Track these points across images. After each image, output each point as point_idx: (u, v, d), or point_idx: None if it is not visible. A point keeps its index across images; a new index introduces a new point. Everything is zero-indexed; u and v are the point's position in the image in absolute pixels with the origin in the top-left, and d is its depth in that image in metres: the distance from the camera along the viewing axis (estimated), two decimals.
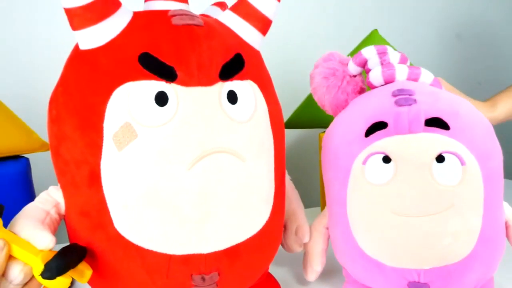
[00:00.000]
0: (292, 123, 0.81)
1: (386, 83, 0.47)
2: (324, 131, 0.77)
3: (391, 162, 0.41)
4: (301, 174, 0.73)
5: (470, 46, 1.13)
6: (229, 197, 0.38)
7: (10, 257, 0.34)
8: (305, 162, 0.93)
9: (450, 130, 0.40)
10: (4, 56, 0.80)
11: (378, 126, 0.42)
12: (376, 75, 0.48)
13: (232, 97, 0.39)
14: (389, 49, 0.49)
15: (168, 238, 0.38)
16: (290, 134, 0.96)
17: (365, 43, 0.77)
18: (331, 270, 0.55)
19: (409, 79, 0.47)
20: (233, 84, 0.39)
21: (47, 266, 0.34)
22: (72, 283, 0.57)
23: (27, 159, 0.63)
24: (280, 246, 0.53)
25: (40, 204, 0.41)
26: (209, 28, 0.40)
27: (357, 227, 0.44)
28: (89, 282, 0.43)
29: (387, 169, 0.41)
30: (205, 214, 0.37)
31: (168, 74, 0.36)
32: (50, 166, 0.42)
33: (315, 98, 0.53)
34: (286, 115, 0.79)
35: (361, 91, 0.51)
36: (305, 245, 0.51)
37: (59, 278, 0.34)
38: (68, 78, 0.39)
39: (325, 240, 0.51)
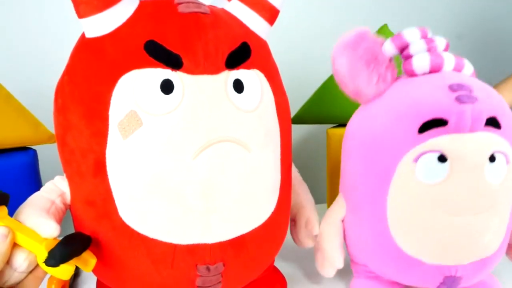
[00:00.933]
0: (300, 119, 0.81)
1: (431, 72, 0.43)
2: (334, 127, 0.77)
3: (447, 162, 0.39)
4: (308, 170, 0.73)
5: (482, 40, 1.11)
6: (234, 187, 0.38)
7: (14, 245, 0.34)
8: (312, 159, 0.92)
9: (501, 129, 0.40)
10: (14, 51, 0.81)
11: (435, 123, 0.39)
12: (423, 63, 0.43)
13: (238, 86, 0.38)
14: (431, 33, 0.45)
15: (173, 228, 0.37)
16: (298, 130, 0.95)
17: None
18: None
19: (454, 69, 0.44)
20: (239, 73, 0.39)
21: (51, 253, 0.34)
22: (78, 273, 0.57)
23: (34, 151, 0.63)
24: (289, 241, 0.53)
25: (45, 193, 0.41)
26: (216, 17, 0.39)
27: (398, 226, 0.42)
28: (94, 271, 0.43)
29: (442, 169, 0.39)
30: (210, 203, 0.37)
31: (174, 62, 0.36)
32: (57, 158, 0.42)
33: (345, 84, 0.45)
34: (294, 110, 0.78)
35: (396, 78, 0.46)
36: (319, 241, 0.49)
37: (62, 266, 0.34)
38: (74, 67, 0.39)
39: (341, 233, 0.49)
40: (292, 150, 0.47)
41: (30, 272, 0.35)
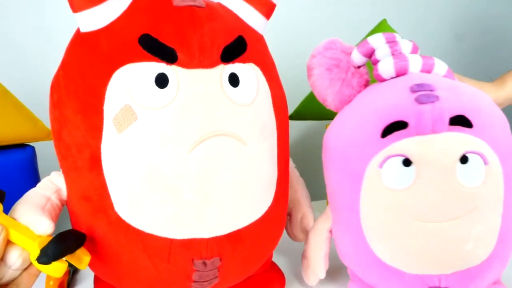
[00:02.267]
0: (298, 115, 0.80)
1: (398, 75, 0.43)
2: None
3: (412, 165, 0.37)
4: (307, 166, 0.73)
5: (482, 37, 1.11)
6: (230, 181, 0.38)
7: (9, 243, 0.34)
8: (311, 154, 0.92)
9: (473, 128, 0.38)
10: (12, 49, 0.81)
11: (396, 126, 0.38)
12: (387, 67, 0.43)
13: (233, 80, 0.38)
14: (399, 37, 0.45)
15: (169, 222, 0.37)
16: (297, 126, 0.95)
17: (373, 33, 0.75)
18: (336, 268, 0.54)
19: (422, 70, 0.43)
20: (235, 67, 0.39)
21: (43, 251, 0.33)
22: (77, 270, 0.57)
23: (32, 148, 0.63)
24: (286, 236, 0.53)
25: (41, 190, 0.41)
26: (211, 10, 0.39)
27: (372, 235, 0.41)
28: (91, 267, 0.43)
29: (407, 173, 0.38)
30: (205, 197, 0.37)
31: (169, 56, 0.36)
32: (56, 154, 0.41)
33: (315, 91, 0.47)
34: (294, 106, 0.78)
35: (366, 84, 0.46)
36: (306, 249, 0.50)
37: (54, 264, 0.34)
38: (69, 62, 0.39)
39: (328, 244, 0.48)
40: (291, 146, 0.46)
41: (25, 269, 0.35)
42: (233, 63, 0.38)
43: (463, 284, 0.41)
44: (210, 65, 0.37)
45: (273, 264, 0.54)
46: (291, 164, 0.54)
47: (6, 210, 0.37)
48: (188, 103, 0.36)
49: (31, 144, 0.64)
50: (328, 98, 0.46)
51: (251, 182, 0.39)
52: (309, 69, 0.47)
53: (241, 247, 0.40)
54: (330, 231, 0.47)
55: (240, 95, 0.38)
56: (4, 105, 0.59)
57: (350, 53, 0.46)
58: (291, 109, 0.69)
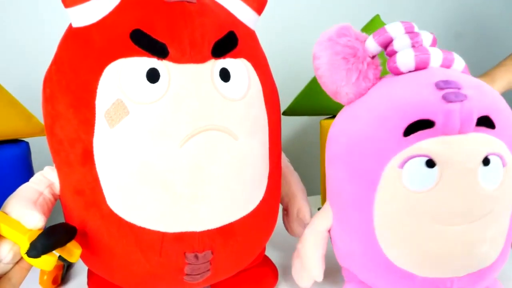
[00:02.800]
0: (293, 111, 0.81)
1: (417, 69, 0.40)
2: (327, 118, 0.77)
3: (436, 167, 0.36)
4: (301, 162, 0.73)
5: (476, 34, 1.11)
6: (221, 175, 0.38)
7: (0, 237, 0.35)
8: (306, 150, 0.92)
9: (495, 129, 0.36)
10: (7, 46, 0.81)
11: (421, 125, 0.36)
12: (407, 60, 0.39)
13: (224, 75, 0.38)
14: (417, 28, 0.41)
15: (161, 216, 0.38)
16: (291, 122, 0.95)
17: (366, 29, 0.76)
18: (330, 270, 0.54)
19: (442, 65, 0.41)
20: (226, 62, 0.39)
21: (32, 244, 0.34)
22: (71, 265, 0.58)
23: (27, 143, 0.63)
24: (281, 230, 0.53)
25: (34, 184, 0.41)
26: (202, 5, 0.39)
27: (386, 237, 0.39)
28: (84, 260, 0.43)
29: (430, 175, 0.36)
30: (197, 191, 0.37)
31: (160, 51, 0.36)
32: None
33: (324, 83, 0.43)
34: (287, 102, 0.78)
35: (382, 78, 0.43)
36: (300, 249, 0.47)
37: (44, 257, 0.34)
38: (61, 56, 0.39)
39: (325, 244, 0.46)
40: (285, 142, 0.47)
41: (17, 263, 0.36)
42: (224, 58, 0.39)
43: (473, 285, 0.40)
44: (201, 60, 0.37)
45: (266, 258, 0.55)
46: (285, 159, 0.54)
47: (0, 205, 0.37)
48: (179, 97, 0.36)
49: (25, 139, 0.64)
50: (342, 90, 0.42)
51: (242, 176, 0.40)
52: (317, 58, 0.42)
53: (233, 241, 0.41)
54: (329, 231, 0.46)
55: (231, 90, 0.39)
56: None
57: (364, 42, 0.42)
58: (284, 105, 0.69)
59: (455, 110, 0.35)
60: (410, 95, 0.37)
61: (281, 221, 0.53)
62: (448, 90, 0.36)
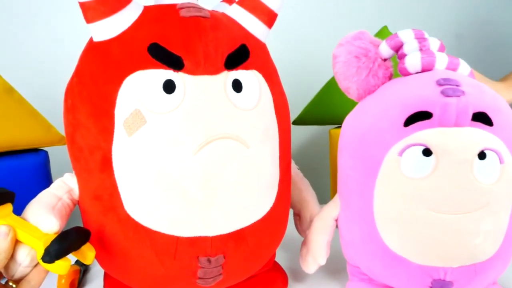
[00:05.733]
0: (303, 120, 0.82)
1: (424, 71, 0.44)
2: (336, 127, 0.79)
3: (432, 156, 0.38)
4: (311, 171, 0.74)
5: (482, 38, 1.12)
6: (233, 182, 0.40)
7: (18, 242, 0.36)
8: (316, 159, 0.93)
9: (493, 127, 0.39)
10: (28, 58, 0.84)
11: (420, 116, 0.39)
12: (414, 61, 0.44)
13: (237, 86, 0.40)
14: (427, 35, 0.46)
15: (175, 220, 0.39)
16: (301, 131, 0.97)
17: None
18: (335, 268, 0.55)
19: (447, 68, 0.44)
20: (238, 73, 0.41)
21: (46, 250, 0.35)
22: (88, 269, 0.59)
23: (46, 152, 0.66)
24: (291, 235, 0.54)
25: (53, 190, 0.43)
26: (216, 20, 0.41)
27: (384, 222, 0.42)
28: (100, 263, 0.45)
29: (426, 163, 0.39)
30: (210, 197, 0.39)
31: (176, 63, 0.38)
32: (68, 159, 0.44)
33: (339, 78, 0.47)
34: (297, 112, 0.80)
35: (390, 76, 0.48)
36: (308, 235, 0.51)
37: (58, 262, 0.35)
38: (82, 69, 0.41)
39: (331, 232, 0.49)
40: (295, 151, 0.48)
41: (35, 266, 0.37)
42: (236, 70, 0.41)
43: (467, 280, 0.42)
44: (215, 71, 0.39)
45: (276, 263, 0.56)
46: (294, 167, 0.55)
47: (20, 211, 0.39)
48: (194, 107, 0.38)
49: (45, 148, 0.67)
50: (353, 86, 0.46)
51: (254, 182, 0.41)
52: (335, 57, 0.47)
53: (244, 245, 0.42)
54: (336, 220, 0.49)
55: (243, 100, 0.40)
56: (19, 112, 0.62)
57: (378, 45, 0.47)
58: (294, 115, 0.70)
59: (452, 103, 0.38)
60: (412, 90, 0.41)
61: (291, 227, 0.55)
62: (447, 86, 0.40)
